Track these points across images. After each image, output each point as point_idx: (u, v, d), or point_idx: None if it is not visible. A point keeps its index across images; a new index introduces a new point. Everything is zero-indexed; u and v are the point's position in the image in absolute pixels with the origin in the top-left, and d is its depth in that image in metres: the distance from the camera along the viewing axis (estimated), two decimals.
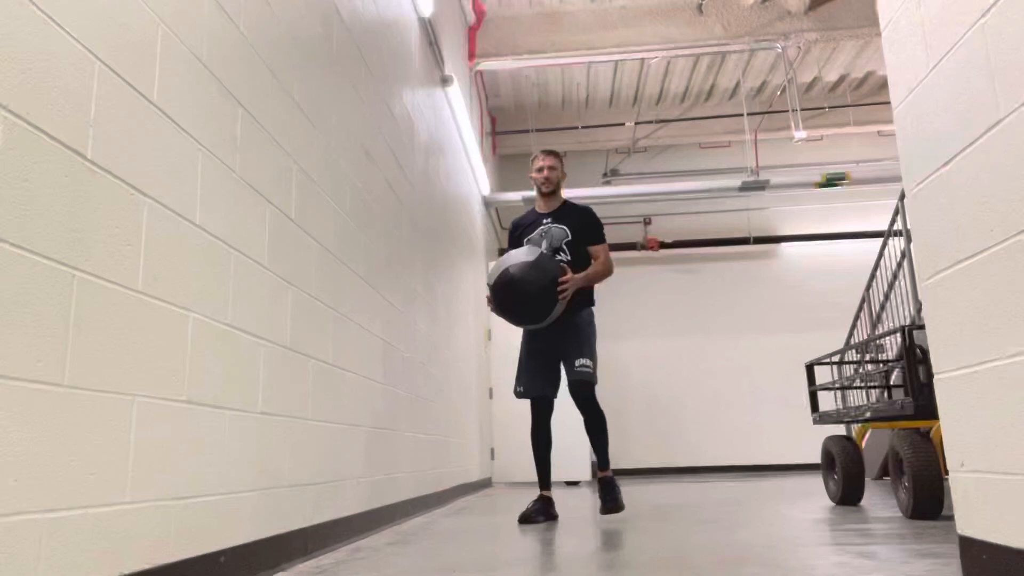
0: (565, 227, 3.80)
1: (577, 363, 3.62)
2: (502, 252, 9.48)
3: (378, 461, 3.45)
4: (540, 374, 3.74)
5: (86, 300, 1.43)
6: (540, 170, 3.87)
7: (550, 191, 3.87)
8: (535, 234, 3.83)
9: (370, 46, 3.65)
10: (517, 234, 3.94)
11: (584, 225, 3.80)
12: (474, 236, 7.40)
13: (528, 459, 7.72)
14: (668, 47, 7.56)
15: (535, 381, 3.75)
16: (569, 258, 3.72)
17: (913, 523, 3.10)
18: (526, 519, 3.53)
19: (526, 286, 3.45)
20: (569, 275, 3.58)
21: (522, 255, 3.53)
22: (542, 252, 3.56)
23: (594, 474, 3.85)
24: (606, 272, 3.77)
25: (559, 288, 3.51)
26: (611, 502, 3.62)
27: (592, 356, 3.68)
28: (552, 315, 3.54)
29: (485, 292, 3.97)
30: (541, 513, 3.59)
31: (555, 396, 3.77)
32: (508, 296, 3.49)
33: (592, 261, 3.78)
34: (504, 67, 7.76)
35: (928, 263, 1.86)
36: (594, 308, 3.83)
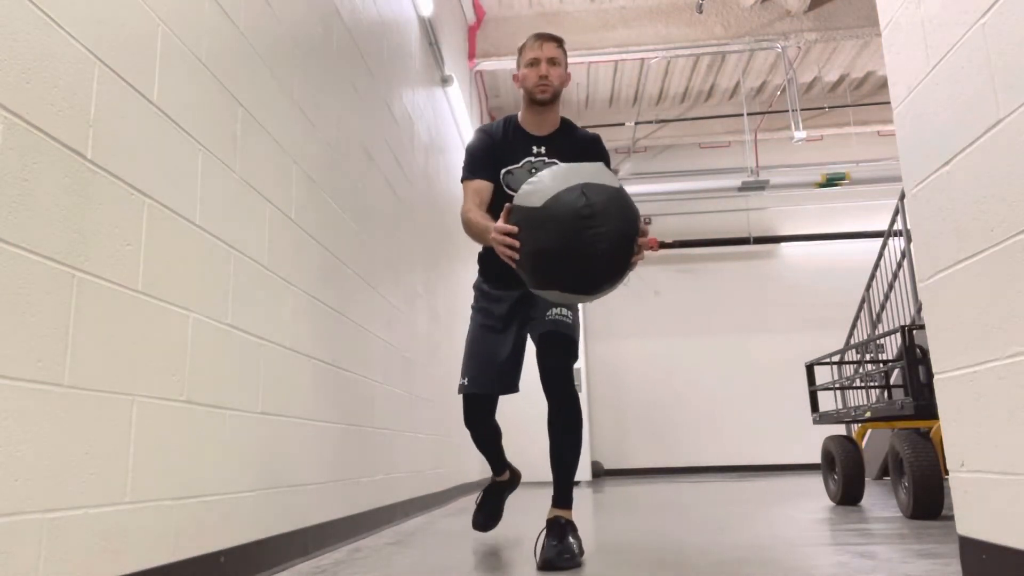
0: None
1: (552, 311, 2.42)
2: None
3: (378, 461, 3.44)
4: (494, 362, 2.48)
5: (86, 300, 1.43)
6: (534, 63, 2.42)
7: (547, 100, 2.43)
8: (519, 167, 2.46)
9: (370, 46, 3.65)
10: (486, 156, 2.47)
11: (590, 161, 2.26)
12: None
13: (528, 458, 7.70)
14: (668, 47, 7.56)
15: (486, 372, 2.49)
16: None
17: (913, 523, 3.10)
18: (480, 528, 2.82)
19: (608, 227, 1.95)
20: (647, 228, 2.15)
21: (593, 174, 2.03)
22: (611, 185, 2.05)
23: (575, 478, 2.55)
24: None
25: (639, 244, 2.10)
26: (552, 560, 2.18)
27: (575, 318, 2.48)
28: (613, 287, 2.09)
29: (475, 250, 2.62)
30: (494, 518, 2.82)
31: (505, 390, 2.52)
32: (571, 236, 1.94)
33: None
34: (504, 67, 7.76)
35: (928, 263, 1.86)
36: None
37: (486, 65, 7.68)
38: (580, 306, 2.69)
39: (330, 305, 2.84)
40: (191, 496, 1.78)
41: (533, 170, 2.43)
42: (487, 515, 2.85)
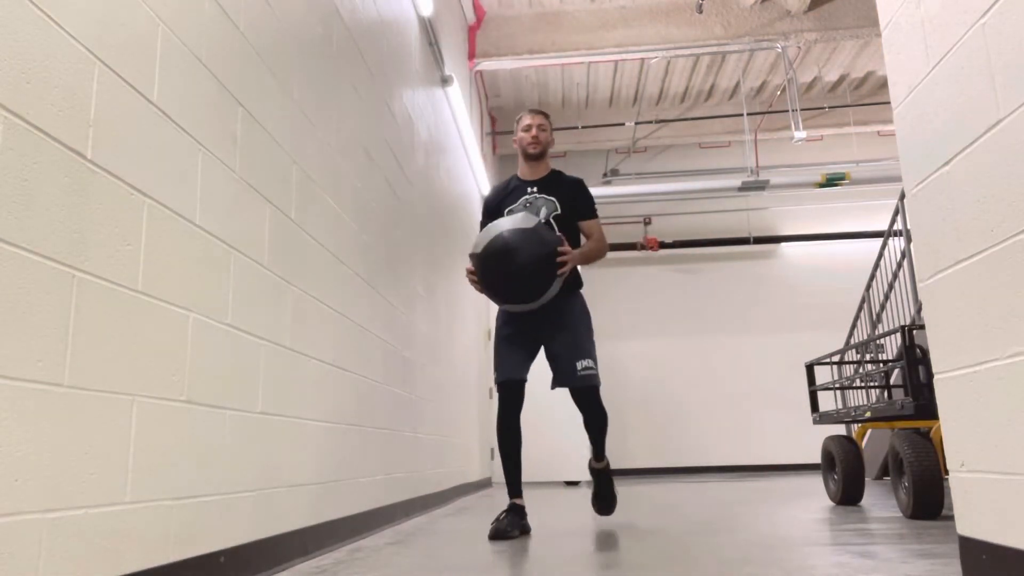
0: (554, 199, 3.24)
1: (579, 366, 3.11)
2: None
3: (378, 461, 3.45)
4: (512, 355, 3.17)
5: (86, 300, 1.43)
6: (527, 129, 3.31)
7: (537, 154, 3.29)
8: (517, 204, 3.24)
9: (370, 46, 3.65)
10: (495, 204, 3.31)
11: (575, 198, 3.26)
12: (474, 236, 7.40)
13: (528, 458, 7.69)
14: (668, 47, 7.56)
15: (505, 363, 3.16)
16: (563, 239, 3.11)
17: (913, 523, 3.10)
18: (499, 535, 2.93)
19: (521, 256, 2.88)
20: (568, 248, 3.04)
21: (517, 221, 2.96)
22: (539, 220, 3.01)
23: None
24: (601, 250, 3.24)
25: (559, 260, 2.96)
26: (603, 502, 3.39)
27: (592, 354, 3.18)
28: (547, 294, 2.98)
29: (466, 264, 3.38)
30: (515, 527, 3.00)
31: (525, 377, 3.18)
32: (499, 267, 2.91)
33: (584, 239, 3.28)
34: (504, 67, 7.76)
35: (928, 263, 1.86)
36: (582, 291, 3.31)
37: (486, 65, 7.69)
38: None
39: (330, 305, 2.84)
40: (191, 496, 1.78)
41: (528, 204, 3.26)
42: (507, 524, 3.00)
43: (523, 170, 3.36)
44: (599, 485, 3.43)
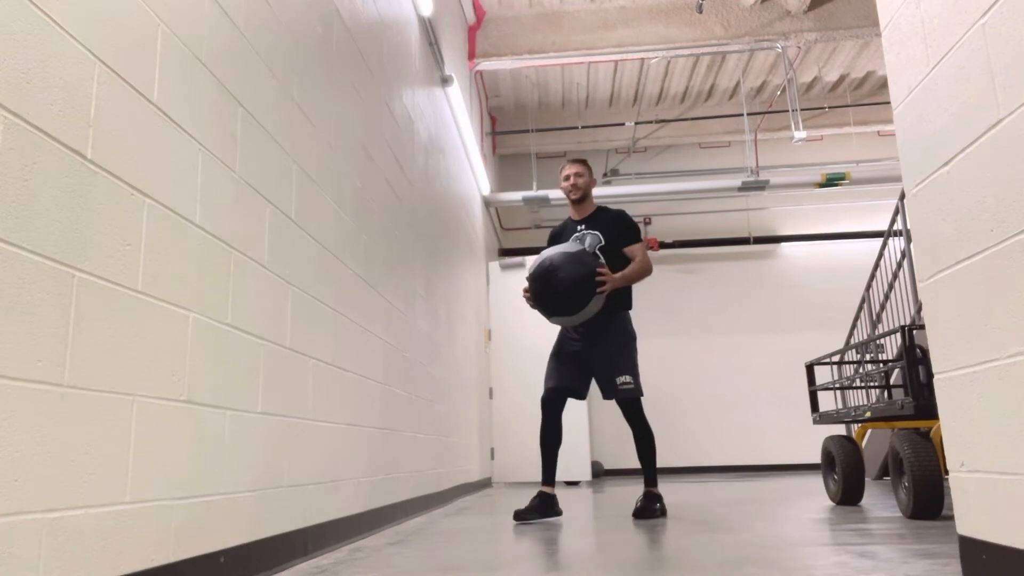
0: (598, 233, 3.80)
1: (619, 380, 3.63)
2: (502, 253, 9.50)
3: (378, 461, 3.45)
4: (560, 371, 3.74)
5: (86, 300, 1.43)
6: (567, 178, 3.90)
7: (579, 198, 3.89)
8: (569, 241, 3.85)
9: (370, 46, 3.65)
10: (551, 241, 4.00)
11: (618, 229, 3.80)
12: (474, 236, 7.40)
13: (528, 458, 7.66)
14: (668, 47, 7.56)
15: (552, 375, 3.76)
16: (603, 263, 3.70)
17: (913, 523, 3.10)
18: (520, 516, 3.52)
19: (563, 275, 3.47)
20: (606, 269, 3.58)
21: (563, 248, 3.59)
22: (583, 248, 3.61)
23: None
24: (643, 270, 3.73)
25: (597, 279, 3.51)
26: (646, 510, 3.60)
27: (632, 370, 3.69)
28: (587, 310, 3.52)
29: (523, 284, 3.90)
30: (537, 511, 3.56)
31: (574, 393, 3.76)
32: (545, 285, 3.51)
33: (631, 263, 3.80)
34: (504, 67, 7.76)
35: (928, 263, 1.86)
36: (631, 312, 3.84)
37: (486, 65, 7.68)
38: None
39: (330, 305, 2.84)
40: (191, 496, 1.78)
41: (577, 238, 3.83)
42: (527, 508, 3.56)
43: (572, 212, 3.97)
44: (645, 501, 3.64)
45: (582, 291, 3.47)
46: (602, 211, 3.90)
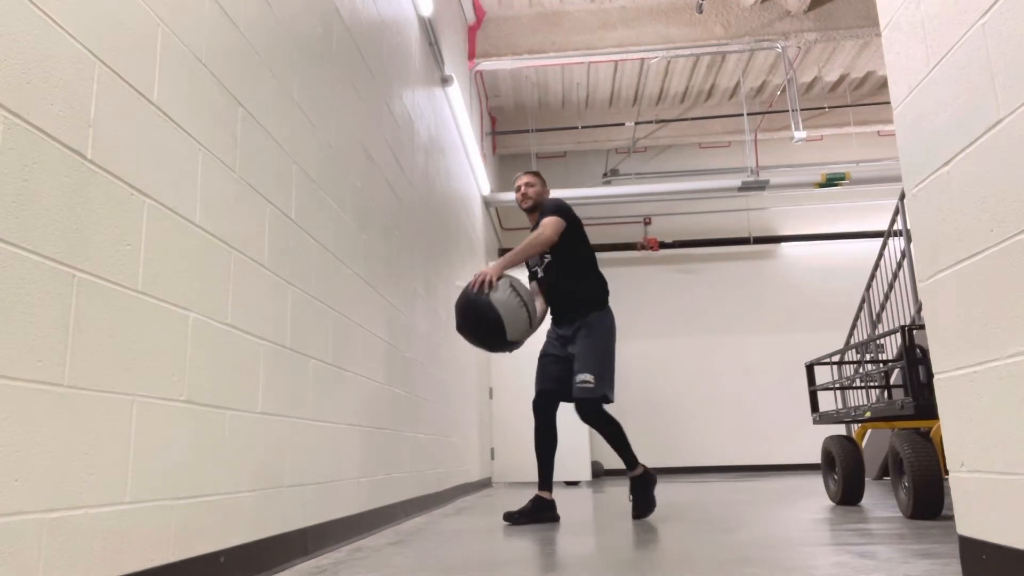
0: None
1: (577, 379, 3.52)
2: (502, 252, 9.50)
3: (378, 461, 3.44)
4: (544, 373, 3.70)
5: (86, 300, 1.43)
6: (518, 189, 3.88)
7: (530, 207, 3.83)
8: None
9: (370, 46, 3.65)
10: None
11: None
12: (474, 236, 7.40)
13: (528, 458, 7.65)
14: (668, 47, 7.56)
15: (538, 378, 3.72)
16: (549, 259, 3.71)
17: (913, 523, 3.10)
18: (510, 517, 3.51)
19: (468, 322, 3.35)
20: (482, 270, 3.41)
21: (459, 298, 3.43)
22: (463, 292, 3.41)
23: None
24: (532, 241, 3.54)
25: (477, 290, 3.33)
26: (641, 505, 3.56)
27: (596, 369, 3.51)
28: (515, 332, 3.35)
29: (467, 261, 3.81)
30: (528, 516, 3.52)
31: (560, 395, 3.66)
32: (470, 333, 3.40)
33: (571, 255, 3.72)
34: (504, 67, 7.76)
35: (928, 263, 1.86)
36: (605, 310, 3.67)
37: (486, 65, 7.68)
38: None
39: (330, 305, 2.84)
40: (191, 496, 1.78)
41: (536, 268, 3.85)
42: (518, 511, 3.55)
43: (531, 221, 3.91)
44: (634, 491, 3.59)
45: (486, 327, 3.31)
46: (541, 214, 3.76)
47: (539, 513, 3.55)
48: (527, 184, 3.85)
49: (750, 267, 9.87)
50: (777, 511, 3.75)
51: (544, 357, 3.74)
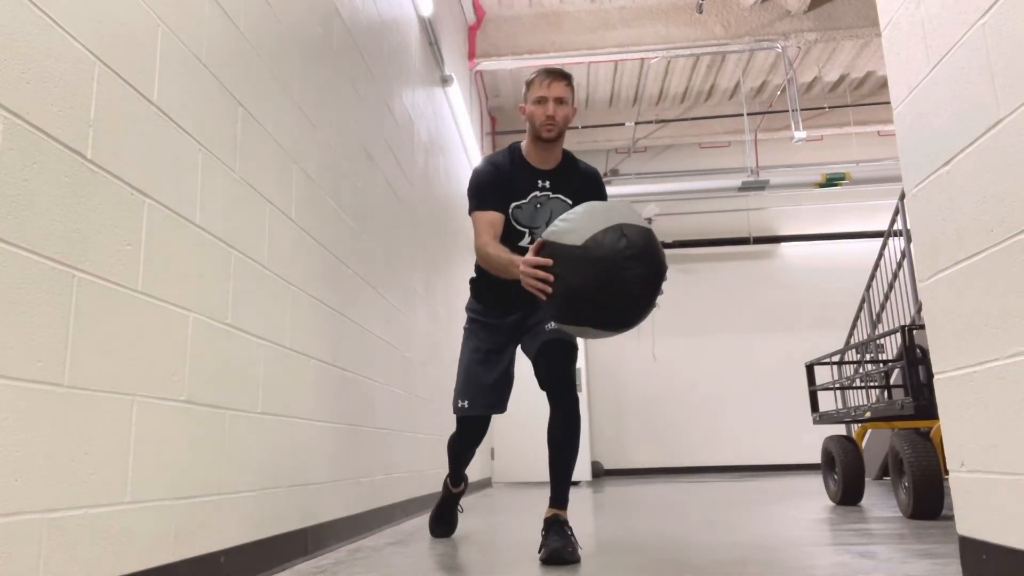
0: (567, 199, 2.51)
1: (549, 325, 2.48)
2: None
3: (378, 461, 3.44)
4: (490, 385, 2.63)
5: (86, 300, 1.43)
6: (541, 102, 2.44)
7: (553, 138, 2.46)
8: (527, 202, 2.51)
9: (370, 46, 3.65)
10: (495, 188, 2.49)
11: (591, 197, 2.48)
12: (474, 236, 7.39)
13: (528, 458, 7.66)
14: (668, 47, 7.56)
15: (485, 393, 2.62)
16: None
17: (913, 523, 3.10)
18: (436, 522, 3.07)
19: (647, 268, 1.96)
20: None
21: (632, 214, 2.04)
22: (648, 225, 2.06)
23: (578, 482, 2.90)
24: None
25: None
26: (559, 550, 2.24)
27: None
28: (639, 323, 2.06)
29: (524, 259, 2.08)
30: (451, 524, 3.11)
31: (502, 411, 2.69)
32: (615, 280, 1.93)
33: None
34: (504, 67, 7.76)
35: (928, 263, 1.86)
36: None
37: (486, 65, 7.68)
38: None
39: (330, 305, 2.84)
40: (191, 496, 1.78)
41: (538, 205, 2.50)
42: (447, 523, 3.13)
43: (530, 150, 2.53)
44: (555, 538, 2.30)
45: (653, 298, 2.01)
46: (571, 162, 2.58)
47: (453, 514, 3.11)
48: (558, 101, 2.44)
49: (750, 267, 9.87)
50: (777, 511, 3.75)
51: (488, 355, 2.65)
